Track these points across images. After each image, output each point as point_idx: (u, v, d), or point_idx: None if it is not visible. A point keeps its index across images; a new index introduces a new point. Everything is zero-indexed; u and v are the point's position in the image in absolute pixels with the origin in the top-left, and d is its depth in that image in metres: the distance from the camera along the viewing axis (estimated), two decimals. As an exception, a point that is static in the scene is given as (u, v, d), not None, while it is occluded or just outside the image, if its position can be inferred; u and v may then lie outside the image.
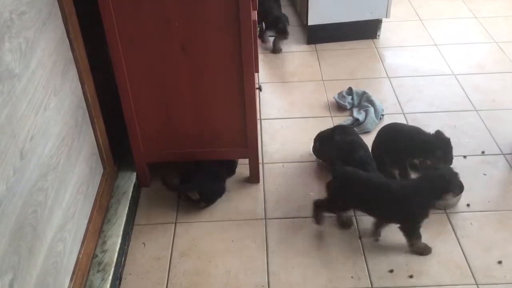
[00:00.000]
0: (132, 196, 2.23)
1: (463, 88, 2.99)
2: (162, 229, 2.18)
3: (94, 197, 2.04)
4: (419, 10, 3.86)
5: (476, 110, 2.81)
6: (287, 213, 2.23)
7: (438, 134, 2.26)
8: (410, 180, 2.21)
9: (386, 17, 3.41)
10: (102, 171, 2.15)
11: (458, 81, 3.06)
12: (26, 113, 1.45)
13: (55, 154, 1.65)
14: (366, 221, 2.15)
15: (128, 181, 2.29)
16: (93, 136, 2.05)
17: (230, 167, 2.41)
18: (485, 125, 2.69)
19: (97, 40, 2.02)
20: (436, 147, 2.23)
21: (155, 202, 2.30)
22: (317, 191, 2.32)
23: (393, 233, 2.09)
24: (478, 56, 3.31)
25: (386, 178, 2.07)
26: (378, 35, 3.50)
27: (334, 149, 2.27)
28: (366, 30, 3.47)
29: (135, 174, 2.32)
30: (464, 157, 2.47)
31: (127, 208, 2.15)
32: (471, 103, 2.86)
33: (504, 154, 2.50)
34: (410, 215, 1.96)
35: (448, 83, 3.05)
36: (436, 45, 3.44)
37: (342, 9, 3.33)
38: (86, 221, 1.93)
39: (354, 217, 2.19)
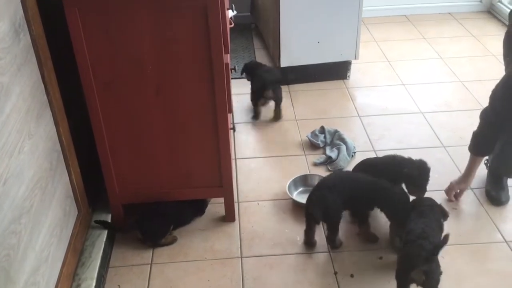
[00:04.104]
0: (107, 238, 2.21)
1: (430, 126, 3.09)
2: (138, 270, 2.16)
3: (68, 240, 2.02)
4: (387, 52, 4.01)
5: (444, 147, 2.90)
6: (262, 251, 2.24)
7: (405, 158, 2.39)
8: None
9: (355, 59, 3.54)
10: (76, 213, 2.14)
11: (426, 119, 3.16)
12: (-1, 157, 1.46)
13: (29, 197, 1.65)
14: (341, 256, 2.19)
15: (103, 223, 2.28)
16: (68, 178, 2.05)
17: (199, 207, 2.41)
18: (453, 161, 2.77)
19: (72, 82, 2.05)
20: (420, 163, 2.34)
21: (131, 243, 2.28)
22: (292, 228, 2.34)
23: (367, 267, 2.13)
24: (444, 95, 3.43)
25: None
26: (348, 76, 3.62)
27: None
28: (337, 71, 3.58)
29: (110, 216, 2.31)
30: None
31: (101, 251, 2.14)
32: (439, 140, 2.96)
33: (472, 189, 2.57)
34: None
35: (416, 121, 3.15)
36: (404, 84, 3.56)
37: (312, 52, 3.44)
38: (59, 264, 1.91)
39: (329, 253, 2.21)
